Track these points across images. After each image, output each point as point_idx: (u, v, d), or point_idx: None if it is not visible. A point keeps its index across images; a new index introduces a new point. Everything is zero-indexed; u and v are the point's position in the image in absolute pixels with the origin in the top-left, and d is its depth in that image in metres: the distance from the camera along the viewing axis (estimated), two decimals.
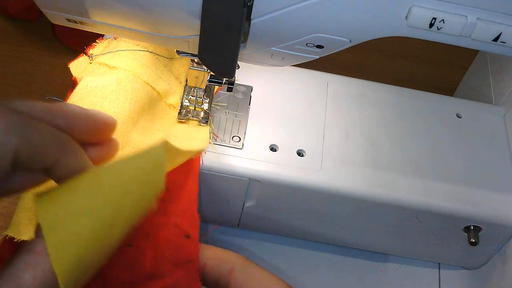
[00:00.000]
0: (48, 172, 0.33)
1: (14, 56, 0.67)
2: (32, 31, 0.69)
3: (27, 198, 0.40)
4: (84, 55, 0.49)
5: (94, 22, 0.39)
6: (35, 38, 0.68)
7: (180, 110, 0.48)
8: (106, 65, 0.48)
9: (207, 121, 0.48)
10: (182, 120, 0.48)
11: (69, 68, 0.48)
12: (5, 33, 0.68)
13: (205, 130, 0.48)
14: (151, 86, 0.48)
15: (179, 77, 0.51)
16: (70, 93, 0.46)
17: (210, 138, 0.48)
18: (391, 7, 0.35)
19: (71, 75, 0.48)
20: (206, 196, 0.48)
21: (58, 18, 0.39)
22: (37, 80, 0.64)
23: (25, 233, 0.38)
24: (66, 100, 0.46)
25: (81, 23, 0.39)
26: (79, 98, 0.45)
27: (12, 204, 0.55)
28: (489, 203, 0.48)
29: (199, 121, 0.48)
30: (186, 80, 0.50)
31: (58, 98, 0.47)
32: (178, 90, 0.50)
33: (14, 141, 0.30)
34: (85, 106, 0.44)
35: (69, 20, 0.39)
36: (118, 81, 0.46)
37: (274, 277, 0.43)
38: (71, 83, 0.48)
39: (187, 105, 0.48)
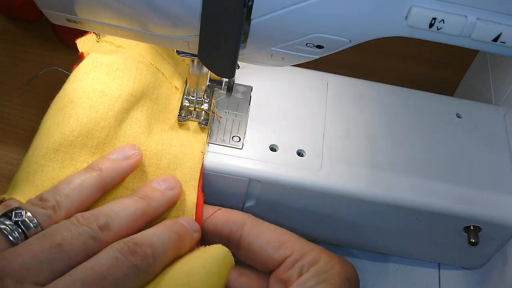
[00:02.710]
0: None
1: (14, 56, 0.67)
2: (32, 31, 0.69)
3: (29, 162, 0.42)
4: (92, 33, 0.50)
5: (94, 22, 0.39)
6: (35, 38, 0.68)
7: (180, 111, 0.48)
8: (113, 43, 0.49)
9: (207, 122, 0.48)
10: (182, 122, 0.48)
11: (70, 66, 0.49)
12: (5, 33, 0.68)
13: (202, 136, 0.48)
14: (156, 67, 0.48)
15: (185, 60, 0.51)
16: (76, 67, 0.47)
17: (207, 138, 0.48)
18: (391, 7, 0.35)
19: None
20: (206, 196, 0.47)
21: (58, 18, 0.39)
22: (37, 80, 0.64)
23: (20, 193, 0.40)
24: (71, 72, 0.47)
25: (81, 23, 0.39)
26: (84, 72, 0.46)
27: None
28: (489, 203, 0.48)
29: (199, 122, 0.48)
30: (186, 81, 0.50)
31: (63, 70, 0.49)
32: (183, 73, 0.51)
33: None
34: (89, 81, 0.46)
35: (69, 20, 0.39)
36: (124, 59, 0.47)
37: (284, 230, 0.46)
38: (78, 58, 0.48)
39: (187, 106, 0.48)
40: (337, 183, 0.47)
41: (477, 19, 0.34)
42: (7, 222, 0.36)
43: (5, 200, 0.40)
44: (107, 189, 0.42)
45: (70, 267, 0.35)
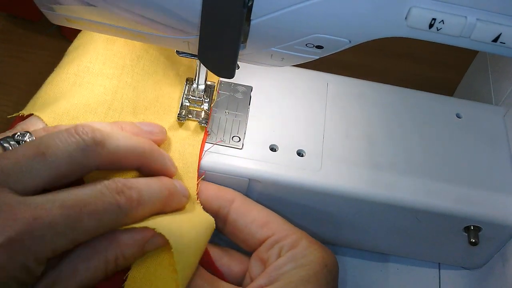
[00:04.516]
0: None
1: (14, 56, 0.67)
2: (32, 31, 0.69)
3: (52, 86, 0.46)
4: None
5: (94, 23, 0.39)
6: (36, 38, 0.68)
7: (179, 110, 0.48)
8: None
9: (207, 122, 0.48)
10: (182, 122, 0.48)
11: None
12: (5, 33, 0.68)
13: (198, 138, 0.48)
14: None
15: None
16: None
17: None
18: (391, 8, 0.35)
19: None
20: None
21: (58, 18, 0.39)
22: (38, 80, 0.64)
23: (41, 112, 0.43)
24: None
25: (81, 23, 0.39)
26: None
27: None
28: (489, 203, 0.48)
29: (199, 122, 0.48)
30: (186, 81, 0.50)
31: None
32: (183, 73, 0.52)
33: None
34: (101, 38, 0.49)
35: (68, 20, 0.39)
36: None
37: (272, 212, 0.47)
38: None
39: (187, 105, 0.48)
40: (337, 183, 0.47)
41: (477, 19, 0.34)
42: (11, 142, 0.38)
43: (24, 115, 0.43)
44: None
45: (54, 178, 0.36)
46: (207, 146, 0.47)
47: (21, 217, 0.33)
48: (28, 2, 0.65)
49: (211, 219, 0.44)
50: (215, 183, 0.47)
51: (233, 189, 0.47)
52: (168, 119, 0.48)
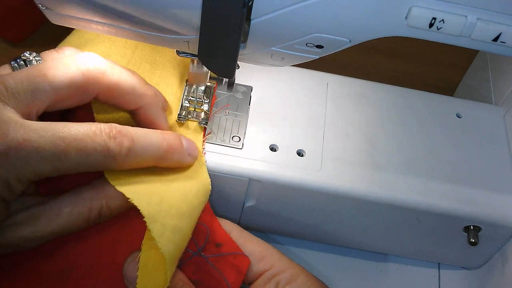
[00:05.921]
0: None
1: (14, 56, 0.66)
2: (33, 32, 0.69)
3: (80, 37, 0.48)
4: None
5: (94, 22, 0.39)
6: (36, 39, 0.68)
7: (180, 111, 0.48)
8: None
9: (207, 122, 0.48)
10: (182, 122, 0.48)
11: None
12: None
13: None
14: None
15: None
16: None
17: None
18: (391, 7, 0.35)
19: None
20: None
21: (58, 18, 0.39)
22: None
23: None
24: None
25: (81, 23, 0.39)
26: None
27: None
28: (489, 203, 0.48)
29: (199, 122, 0.48)
30: (186, 81, 0.50)
31: None
32: (183, 73, 0.52)
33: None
34: None
35: (69, 20, 0.39)
36: None
37: (268, 245, 0.46)
38: None
39: (187, 106, 0.48)
40: (337, 183, 0.47)
41: (477, 19, 0.34)
42: (20, 63, 0.41)
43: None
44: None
45: (55, 100, 0.38)
46: (207, 146, 0.47)
47: (12, 135, 0.34)
48: (11, 23, 0.64)
49: (207, 184, 0.44)
50: (215, 183, 0.47)
51: (233, 189, 0.48)
52: (169, 119, 0.48)
